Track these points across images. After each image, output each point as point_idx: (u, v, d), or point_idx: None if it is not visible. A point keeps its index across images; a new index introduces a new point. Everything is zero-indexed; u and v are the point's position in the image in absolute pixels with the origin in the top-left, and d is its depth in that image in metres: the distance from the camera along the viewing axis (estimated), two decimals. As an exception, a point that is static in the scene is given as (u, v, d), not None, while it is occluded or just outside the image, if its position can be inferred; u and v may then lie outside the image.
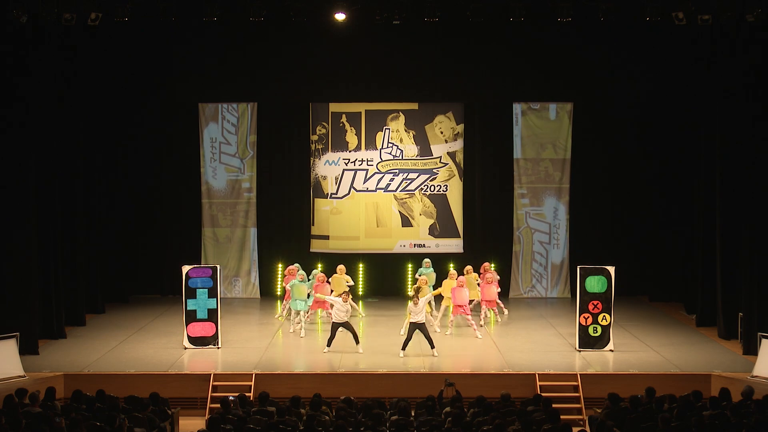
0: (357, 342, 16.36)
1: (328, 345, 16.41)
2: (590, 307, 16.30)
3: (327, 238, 21.71)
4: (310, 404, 12.38)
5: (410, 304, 16.19)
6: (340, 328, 16.36)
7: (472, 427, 11.25)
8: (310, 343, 17.27)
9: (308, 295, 17.91)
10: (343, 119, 21.53)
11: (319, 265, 20.33)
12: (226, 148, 21.52)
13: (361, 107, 21.46)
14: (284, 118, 21.54)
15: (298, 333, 17.76)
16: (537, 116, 21.49)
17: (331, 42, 19.64)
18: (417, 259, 21.05)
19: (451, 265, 19.70)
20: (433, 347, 16.11)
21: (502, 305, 19.29)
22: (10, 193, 16.37)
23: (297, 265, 18.72)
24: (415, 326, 16.02)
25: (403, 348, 16.10)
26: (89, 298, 19.45)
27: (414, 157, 21.50)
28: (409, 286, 20.79)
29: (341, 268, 18.78)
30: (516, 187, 21.55)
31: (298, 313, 17.88)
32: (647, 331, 18.04)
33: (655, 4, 16.86)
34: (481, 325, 18.16)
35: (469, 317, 17.52)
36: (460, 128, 21.51)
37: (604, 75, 20.47)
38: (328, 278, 18.23)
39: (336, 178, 21.57)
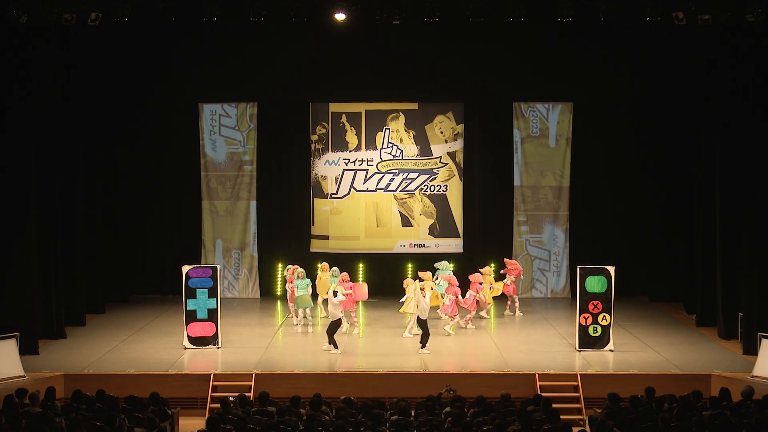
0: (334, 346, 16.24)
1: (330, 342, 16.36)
2: (590, 307, 16.30)
3: (327, 238, 21.71)
4: (310, 404, 12.37)
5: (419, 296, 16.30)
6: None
7: (472, 427, 11.25)
8: (310, 343, 17.27)
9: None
10: (343, 119, 21.53)
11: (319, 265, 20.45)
12: (226, 120, 21.51)
13: (361, 107, 21.47)
14: (284, 118, 21.55)
15: (305, 331, 17.85)
16: (537, 144, 21.50)
17: (331, 42, 19.63)
18: (417, 259, 21.11)
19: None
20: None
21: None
22: (10, 193, 16.37)
23: (299, 269, 18.39)
24: (423, 322, 16.16)
25: (423, 345, 16.15)
26: (89, 298, 19.45)
27: (414, 157, 21.50)
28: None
29: (324, 266, 18.54)
30: (516, 214, 21.57)
31: (304, 311, 17.94)
32: (647, 331, 18.04)
33: (655, 4, 16.86)
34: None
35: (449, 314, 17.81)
36: (460, 128, 21.52)
37: (604, 75, 20.46)
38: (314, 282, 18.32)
39: (336, 178, 21.57)
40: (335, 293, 16.50)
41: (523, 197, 21.58)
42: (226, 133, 21.51)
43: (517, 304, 19.61)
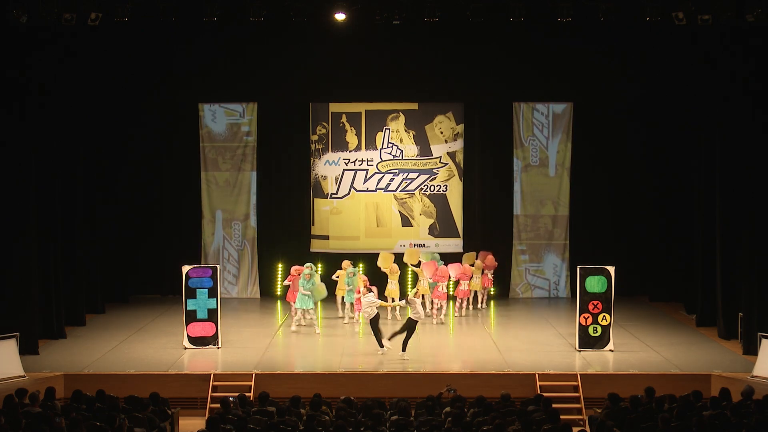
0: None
1: (381, 346, 16.11)
2: (590, 307, 16.30)
3: (327, 238, 21.71)
4: (310, 404, 12.38)
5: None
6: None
7: (472, 427, 11.25)
8: (310, 343, 17.28)
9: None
10: (343, 119, 21.53)
11: (319, 266, 20.47)
12: None
13: (361, 107, 21.47)
14: (284, 118, 21.56)
15: (298, 330, 17.81)
16: (536, 173, 21.51)
17: (331, 42, 19.61)
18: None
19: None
20: (383, 346, 16.17)
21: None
22: (11, 193, 16.38)
23: (309, 264, 18.37)
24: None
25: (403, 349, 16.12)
26: (89, 298, 19.44)
27: (414, 157, 21.50)
28: (409, 286, 20.78)
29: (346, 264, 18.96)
30: (515, 243, 21.57)
31: (305, 311, 17.89)
32: (647, 331, 18.04)
33: (655, 4, 16.85)
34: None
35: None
36: (460, 128, 21.52)
37: (604, 75, 20.44)
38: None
39: (336, 178, 21.57)
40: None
41: (523, 226, 21.59)
42: (226, 104, 21.52)
43: (484, 297, 20.10)
